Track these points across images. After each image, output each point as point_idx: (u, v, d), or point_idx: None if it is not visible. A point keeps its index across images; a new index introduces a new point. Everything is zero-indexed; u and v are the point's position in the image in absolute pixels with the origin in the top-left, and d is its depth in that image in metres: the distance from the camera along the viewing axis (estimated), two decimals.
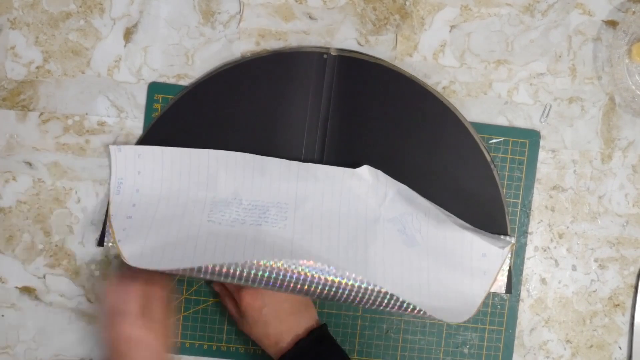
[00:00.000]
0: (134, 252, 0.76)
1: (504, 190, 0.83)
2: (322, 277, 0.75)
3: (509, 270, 0.82)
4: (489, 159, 0.82)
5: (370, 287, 0.75)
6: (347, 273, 0.75)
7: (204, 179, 0.79)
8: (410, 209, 0.79)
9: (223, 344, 0.83)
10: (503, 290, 0.82)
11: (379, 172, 0.79)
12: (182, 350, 0.82)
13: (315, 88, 0.80)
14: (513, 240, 0.82)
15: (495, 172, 0.82)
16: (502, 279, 0.82)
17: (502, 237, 0.81)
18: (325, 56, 0.81)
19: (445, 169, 0.81)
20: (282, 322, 0.75)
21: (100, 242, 0.81)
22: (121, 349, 0.69)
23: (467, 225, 0.81)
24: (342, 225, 0.79)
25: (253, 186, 0.79)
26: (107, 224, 0.80)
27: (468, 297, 0.79)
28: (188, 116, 0.81)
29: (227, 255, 0.74)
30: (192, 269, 0.73)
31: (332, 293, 0.75)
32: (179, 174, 0.79)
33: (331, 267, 0.75)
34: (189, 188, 0.79)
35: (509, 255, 0.81)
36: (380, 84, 0.81)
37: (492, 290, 0.82)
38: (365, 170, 0.79)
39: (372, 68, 0.81)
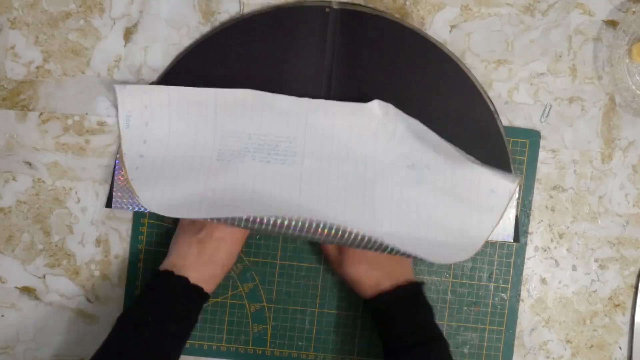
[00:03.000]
0: (146, 194, 0.76)
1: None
2: (327, 223, 0.75)
3: (517, 218, 0.82)
4: (492, 107, 0.81)
5: (373, 238, 0.75)
6: (353, 221, 0.75)
7: (212, 115, 0.78)
8: (420, 145, 0.79)
9: (223, 344, 0.83)
10: (511, 238, 0.82)
11: (390, 106, 0.79)
12: (182, 350, 0.82)
13: (318, 42, 0.80)
14: (520, 179, 0.80)
15: (498, 120, 0.81)
16: (510, 226, 0.82)
17: (510, 174, 0.81)
18: (327, 10, 0.80)
19: (448, 116, 0.81)
20: (385, 266, 0.76)
21: (108, 203, 0.81)
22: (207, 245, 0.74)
23: (476, 161, 0.80)
24: (351, 162, 0.78)
25: (262, 121, 0.79)
26: (120, 162, 0.79)
27: (474, 234, 0.79)
28: (192, 74, 0.80)
29: (235, 206, 0.75)
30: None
31: (337, 237, 0.75)
32: (187, 111, 0.78)
33: (337, 215, 0.75)
34: (197, 124, 0.78)
35: (517, 193, 0.81)
36: (383, 36, 0.80)
37: (500, 239, 0.82)
38: (375, 104, 0.78)
39: (374, 20, 0.80)
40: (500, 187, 0.79)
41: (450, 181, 0.79)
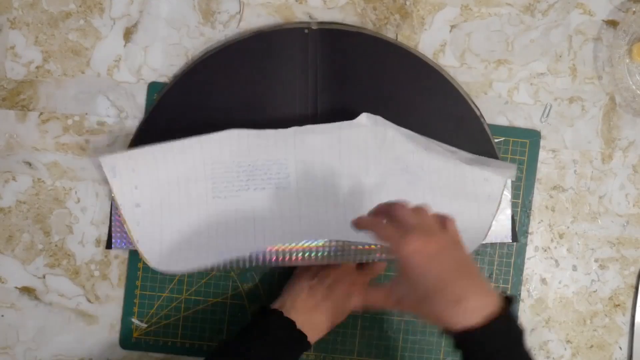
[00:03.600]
0: (154, 256, 0.77)
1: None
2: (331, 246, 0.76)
3: (513, 218, 0.82)
4: (477, 113, 0.82)
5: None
6: (357, 236, 0.73)
7: (200, 158, 0.78)
8: (412, 146, 0.79)
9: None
10: (509, 239, 0.82)
11: (378, 117, 0.79)
12: (182, 351, 0.82)
13: (301, 63, 0.80)
14: (514, 166, 0.81)
15: (485, 126, 0.82)
16: (507, 226, 0.82)
17: (502, 162, 0.81)
18: (306, 31, 0.80)
19: (434, 124, 0.81)
20: (462, 277, 0.60)
21: (108, 244, 0.81)
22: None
23: (467, 154, 0.80)
24: (345, 176, 0.78)
25: (250, 150, 0.78)
26: (116, 216, 0.80)
27: (475, 225, 0.79)
28: (177, 108, 0.80)
29: (239, 242, 0.76)
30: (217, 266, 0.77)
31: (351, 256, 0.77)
32: (174, 163, 0.78)
33: (340, 232, 0.76)
34: (186, 172, 0.78)
35: (510, 194, 0.81)
36: (364, 53, 0.80)
37: (499, 240, 0.82)
38: (363, 117, 0.78)
39: (354, 37, 0.80)
40: (493, 176, 0.80)
41: (445, 178, 0.79)
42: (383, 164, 0.79)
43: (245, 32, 0.82)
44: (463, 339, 0.60)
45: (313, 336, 0.73)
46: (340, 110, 0.80)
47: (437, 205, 0.77)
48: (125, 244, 0.80)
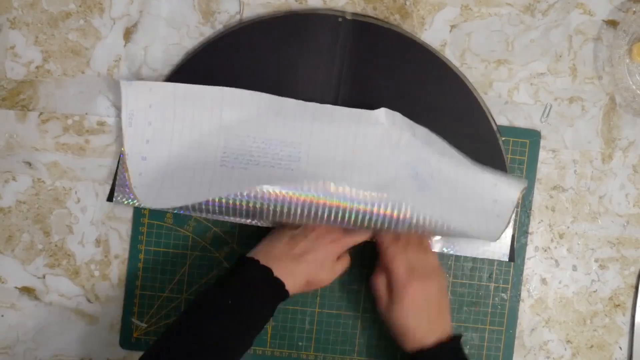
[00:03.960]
0: (149, 202, 0.76)
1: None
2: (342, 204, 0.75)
3: (513, 237, 0.82)
4: (494, 127, 0.82)
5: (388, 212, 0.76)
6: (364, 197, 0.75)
7: (217, 115, 0.78)
8: (424, 153, 0.78)
9: None
10: (506, 258, 0.82)
11: (397, 115, 0.78)
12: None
13: (329, 50, 0.80)
14: (525, 184, 0.80)
15: (500, 142, 0.82)
16: (506, 246, 0.82)
17: (514, 179, 0.80)
18: (340, 19, 0.80)
19: (452, 136, 0.80)
20: (432, 322, 0.74)
21: (110, 197, 0.81)
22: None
23: (482, 168, 0.80)
24: (356, 169, 0.77)
25: (268, 125, 0.78)
26: (121, 167, 0.79)
27: (481, 235, 0.79)
28: (198, 75, 0.80)
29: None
30: (207, 207, 0.75)
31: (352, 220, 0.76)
32: (192, 110, 0.78)
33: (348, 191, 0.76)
34: (201, 124, 0.78)
35: (519, 201, 0.82)
36: (393, 51, 0.80)
37: (496, 257, 0.82)
38: (382, 112, 0.78)
39: (386, 34, 0.80)
40: (502, 196, 0.79)
41: (455, 192, 0.79)
42: (393, 168, 0.78)
43: (277, 12, 0.81)
44: (415, 357, 0.74)
45: (291, 286, 0.72)
46: (360, 101, 0.79)
47: (444, 214, 0.76)
48: (127, 199, 0.80)
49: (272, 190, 0.75)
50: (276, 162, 0.78)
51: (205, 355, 0.67)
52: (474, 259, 0.83)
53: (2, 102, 0.82)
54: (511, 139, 0.83)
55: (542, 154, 0.84)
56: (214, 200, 0.75)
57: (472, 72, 0.83)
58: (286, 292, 0.72)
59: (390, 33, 0.81)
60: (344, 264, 0.77)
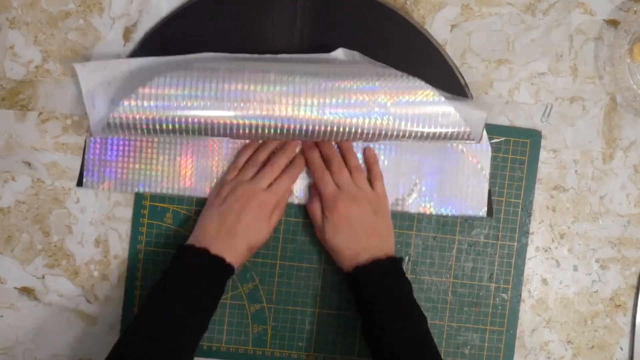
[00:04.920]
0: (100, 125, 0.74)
1: (505, 190, 0.83)
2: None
3: (489, 192, 0.82)
4: (462, 82, 0.82)
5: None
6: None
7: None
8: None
9: (223, 345, 0.83)
10: (485, 214, 0.82)
11: (355, 52, 0.79)
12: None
13: (288, 14, 0.80)
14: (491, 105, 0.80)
15: (469, 94, 0.82)
16: (483, 201, 0.82)
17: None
18: None
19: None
20: (365, 239, 0.76)
21: (79, 182, 0.81)
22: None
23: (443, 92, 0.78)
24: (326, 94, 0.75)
25: (231, 71, 0.75)
26: (88, 152, 0.80)
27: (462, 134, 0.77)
28: (161, 48, 0.80)
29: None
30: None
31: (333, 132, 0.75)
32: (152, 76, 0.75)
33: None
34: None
35: (488, 169, 0.82)
36: (353, 12, 0.81)
37: (473, 214, 0.82)
38: (340, 51, 0.78)
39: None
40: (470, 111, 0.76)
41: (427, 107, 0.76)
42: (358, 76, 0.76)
43: None
44: (352, 274, 0.76)
45: (233, 258, 0.75)
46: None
47: (419, 125, 0.75)
48: (97, 179, 0.80)
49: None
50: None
51: (164, 343, 0.69)
52: (475, 259, 0.83)
53: (2, 101, 0.82)
54: (512, 138, 0.83)
55: (543, 154, 0.84)
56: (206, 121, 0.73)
57: (473, 71, 0.83)
58: (229, 265, 0.74)
59: None
60: (278, 215, 0.79)
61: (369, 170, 0.81)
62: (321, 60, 0.78)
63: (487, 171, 0.82)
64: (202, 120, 0.73)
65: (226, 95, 0.72)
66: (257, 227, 0.76)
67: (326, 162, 0.79)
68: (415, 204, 0.82)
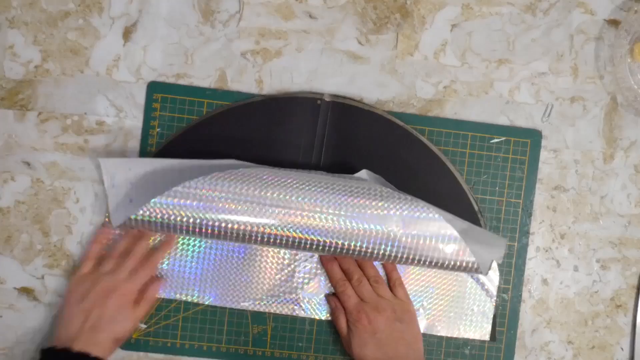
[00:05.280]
0: (119, 216, 0.75)
1: (505, 190, 0.83)
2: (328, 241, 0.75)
3: (494, 318, 0.83)
4: (476, 208, 0.82)
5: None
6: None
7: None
8: (408, 202, 0.76)
9: (223, 345, 0.83)
10: (487, 338, 0.83)
11: (378, 176, 0.79)
12: (182, 351, 0.82)
13: (309, 130, 0.80)
14: (505, 242, 0.78)
15: (482, 221, 0.82)
16: (487, 326, 0.83)
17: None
18: (319, 102, 0.81)
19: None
20: (393, 350, 0.75)
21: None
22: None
23: (463, 223, 0.78)
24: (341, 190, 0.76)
25: (250, 183, 0.76)
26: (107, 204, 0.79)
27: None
28: (182, 155, 0.79)
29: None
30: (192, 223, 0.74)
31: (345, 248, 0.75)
32: (172, 183, 0.75)
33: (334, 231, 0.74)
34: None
35: (494, 296, 0.82)
36: (372, 131, 0.81)
37: (477, 337, 0.83)
38: (363, 172, 0.78)
39: (364, 115, 0.81)
40: (482, 251, 0.77)
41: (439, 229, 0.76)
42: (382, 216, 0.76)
43: (259, 96, 0.81)
44: None
45: (100, 351, 0.73)
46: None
47: (427, 252, 0.76)
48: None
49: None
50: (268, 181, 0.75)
51: None
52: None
53: (1, 101, 0.81)
54: (512, 138, 0.83)
55: (544, 154, 0.83)
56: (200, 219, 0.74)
57: (473, 71, 0.83)
58: (95, 358, 0.72)
59: (367, 114, 0.81)
60: (146, 306, 0.77)
61: (389, 277, 0.80)
62: (346, 178, 0.78)
63: (493, 297, 0.82)
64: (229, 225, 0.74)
65: (268, 201, 0.73)
66: (122, 318, 0.75)
67: (346, 274, 0.79)
68: (421, 323, 0.82)
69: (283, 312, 0.81)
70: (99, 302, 0.74)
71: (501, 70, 0.83)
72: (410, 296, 0.81)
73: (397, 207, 0.74)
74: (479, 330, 0.82)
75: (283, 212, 0.73)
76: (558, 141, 0.84)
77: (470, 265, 0.76)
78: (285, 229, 0.74)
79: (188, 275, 0.81)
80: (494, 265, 0.82)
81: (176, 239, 0.80)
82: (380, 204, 0.74)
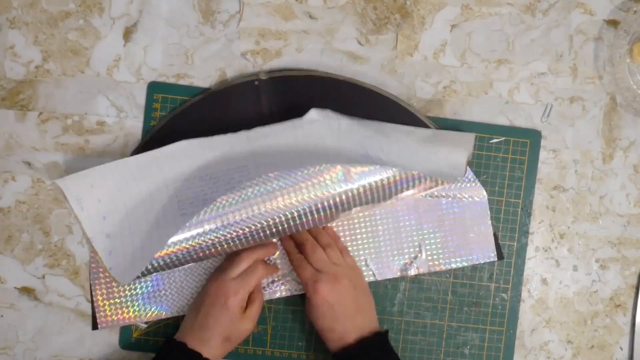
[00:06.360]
0: (125, 273, 0.75)
1: (505, 190, 0.83)
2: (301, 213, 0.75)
3: (495, 236, 0.82)
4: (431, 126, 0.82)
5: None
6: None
7: (158, 173, 0.77)
8: (369, 131, 0.78)
9: None
10: (495, 258, 0.82)
11: (327, 110, 0.79)
12: None
13: (255, 116, 0.80)
14: (473, 136, 0.79)
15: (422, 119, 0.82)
16: (491, 245, 0.82)
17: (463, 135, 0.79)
18: (256, 83, 0.81)
19: None
20: (349, 320, 0.76)
21: (94, 326, 0.81)
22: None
23: (426, 131, 0.79)
24: (306, 167, 0.75)
25: (208, 162, 0.78)
26: (91, 251, 0.80)
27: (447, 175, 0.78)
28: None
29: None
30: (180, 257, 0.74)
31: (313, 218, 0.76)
32: (133, 179, 0.77)
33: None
34: (148, 188, 0.77)
35: (489, 211, 0.82)
36: (315, 94, 0.81)
37: (482, 260, 0.82)
38: (313, 112, 0.78)
39: (303, 81, 0.81)
40: (458, 162, 0.77)
41: (406, 157, 0.78)
42: (343, 154, 0.77)
43: (197, 95, 0.81)
44: (340, 355, 0.76)
45: (208, 352, 0.75)
46: None
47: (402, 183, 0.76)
48: (111, 323, 0.81)
49: (227, 232, 0.74)
50: (228, 190, 0.75)
51: None
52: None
53: (2, 102, 0.82)
54: (512, 138, 0.83)
55: (543, 154, 0.84)
56: (186, 248, 0.74)
57: (473, 71, 0.83)
58: (206, 359, 0.74)
59: (306, 79, 0.81)
60: (257, 305, 0.78)
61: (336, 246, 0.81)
62: (297, 127, 0.78)
63: (486, 213, 0.82)
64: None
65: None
66: (227, 319, 0.75)
67: (299, 246, 0.79)
68: (424, 264, 0.82)
69: (274, 297, 0.82)
70: (208, 301, 0.76)
71: (501, 71, 0.83)
72: (406, 241, 0.82)
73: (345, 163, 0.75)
74: (484, 251, 0.82)
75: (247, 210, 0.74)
76: (557, 141, 0.84)
77: (445, 171, 0.76)
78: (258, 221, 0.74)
79: (184, 291, 0.82)
80: (469, 171, 0.81)
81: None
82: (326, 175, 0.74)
